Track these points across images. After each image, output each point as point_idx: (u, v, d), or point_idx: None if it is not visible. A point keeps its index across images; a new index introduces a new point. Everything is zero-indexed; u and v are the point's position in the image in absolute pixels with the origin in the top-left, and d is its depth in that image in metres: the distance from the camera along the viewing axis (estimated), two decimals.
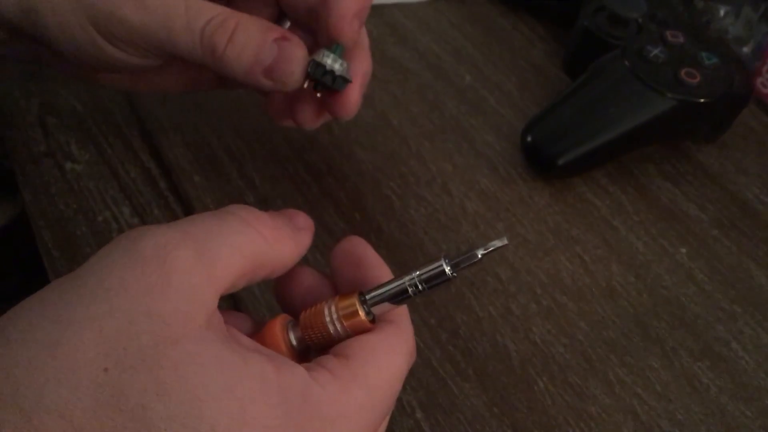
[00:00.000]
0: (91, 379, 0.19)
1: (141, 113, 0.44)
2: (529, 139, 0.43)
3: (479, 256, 0.24)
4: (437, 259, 0.24)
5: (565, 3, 0.50)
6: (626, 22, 0.43)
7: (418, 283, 0.24)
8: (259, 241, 0.24)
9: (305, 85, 0.33)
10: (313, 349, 0.25)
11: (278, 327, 0.25)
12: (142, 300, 0.20)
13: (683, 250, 0.41)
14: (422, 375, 0.35)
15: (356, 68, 0.35)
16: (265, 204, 0.41)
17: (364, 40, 0.36)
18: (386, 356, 0.24)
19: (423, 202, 0.42)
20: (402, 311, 0.26)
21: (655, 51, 0.42)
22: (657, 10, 0.44)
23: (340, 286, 0.28)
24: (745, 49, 0.51)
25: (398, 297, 0.25)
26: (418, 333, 0.36)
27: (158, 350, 0.20)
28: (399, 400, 0.34)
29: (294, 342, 0.25)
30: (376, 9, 0.55)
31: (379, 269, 0.27)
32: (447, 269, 0.24)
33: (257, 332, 0.25)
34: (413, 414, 0.33)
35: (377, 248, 0.39)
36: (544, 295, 0.39)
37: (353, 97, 0.34)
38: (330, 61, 0.32)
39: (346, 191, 0.42)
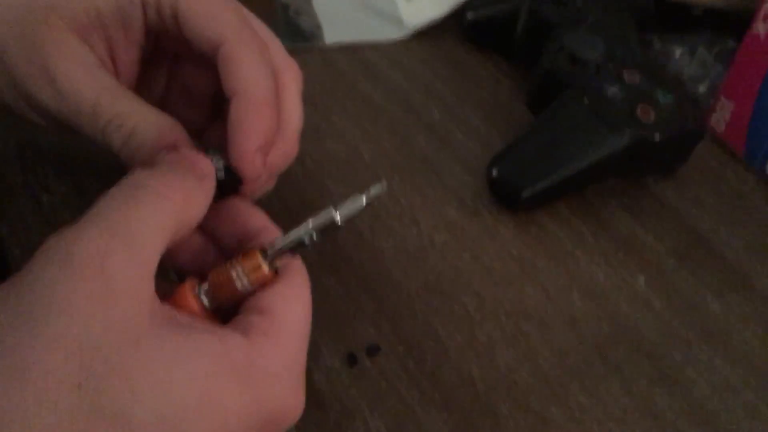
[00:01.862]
0: (67, 397, 0.20)
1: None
2: (494, 173, 0.44)
3: (363, 202, 0.28)
4: (327, 209, 0.28)
5: (529, 43, 0.52)
6: (585, 63, 0.45)
7: (312, 233, 0.28)
8: (175, 210, 0.25)
9: None
10: (223, 306, 0.27)
11: (189, 291, 0.27)
12: (93, 311, 0.22)
13: (641, 280, 0.43)
14: (389, 401, 0.36)
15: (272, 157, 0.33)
16: None
17: (289, 128, 0.34)
18: (297, 302, 0.27)
19: (392, 233, 0.44)
20: (296, 259, 0.29)
21: (612, 89, 0.44)
22: (615, 51, 0.46)
23: (226, 243, 0.30)
24: (701, 88, 0.53)
25: (296, 248, 0.28)
26: (386, 360, 0.37)
27: (122, 355, 0.21)
28: (366, 425, 0.35)
29: (206, 303, 0.27)
30: (349, 48, 0.57)
31: (257, 219, 0.30)
32: (336, 217, 0.28)
33: (167, 295, 0.26)
34: None
35: (348, 278, 0.41)
36: (508, 323, 0.40)
37: (248, 190, 0.32)
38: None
39: None
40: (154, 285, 0.24)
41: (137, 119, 0.30)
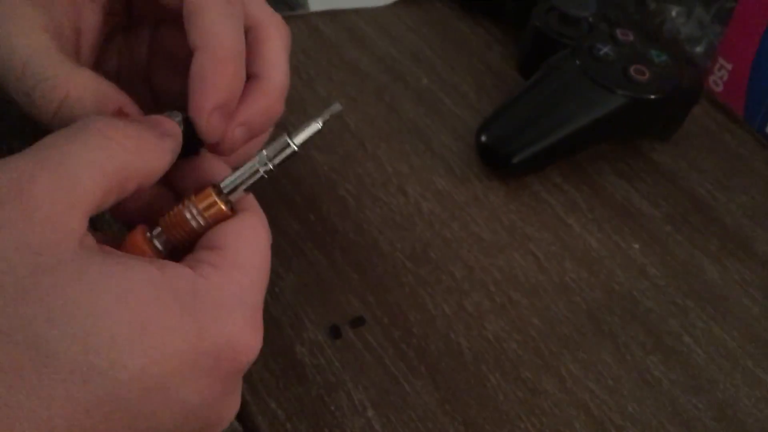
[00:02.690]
0: None
1: None
2: (483, 138, 0.43)
3: (320, 125, 0.27)
4: (281, 136, 0.27)
5: (519, 5, 0.50)
6: (577, 22, 0.44)
7: (267, 163, 0.26)
8: (122, 154, 0.24)
9: None
10: (178, 248, 0.26)
11: (140, 237, 0.25)
12: (7, 236, 0.21)
13: (636, 246, 0.41)
14: (374, 373, 0.35)
15: (243, 111, 0.31)
16: None
17: (271, 84, 0.32)
18: (253, 238, 0.26)
19: (378, 203, 0.42)
20: (250, 196, 0.28)
21: (605, 49, 0.42)
22: (608, 10, 0.45)
23: (180, 188, 0.29)
24: (698, 49, 0.51)
25: (251, 180, 0.27)
26: (371, 332, 0.36)
27: (37, 279, 0.20)
28: (350, 398, 0.33)
29: (160, 247, 0.26)
30: (334, 14, 0.55)
31: (215, 165, 0.29)
32: (291, 143, 0.26)
33: (118, 246, 0.25)
34: (364, 413, 0.33)
35: (332, 248, 0.39)
36: (497, 292, 0.39)
37: (229, 140, 0.30)
38: None
39: (301, 193, 0.42)
40: (94, 228, 0.23)
41: (71, 85, 0.28)
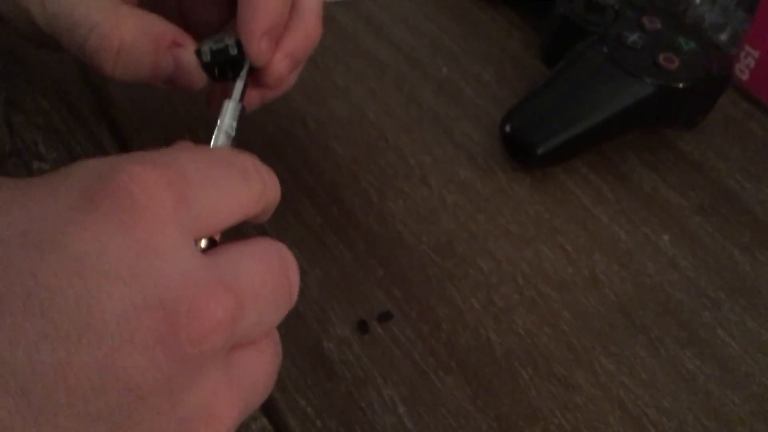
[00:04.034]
0: None
1: (110, 110, 0.43)
2: (507, 129, 0.42)
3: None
4: (224, 104, 0.29)
5: None
6: (603, 9, 0.43)
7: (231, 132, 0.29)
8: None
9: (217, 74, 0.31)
10: None
11: None
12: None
13: (666, 238, 0.41)
14: (403, 369, 0.34)
15: (287, 41, 0.32)
16: None
17: (306, 7, 0.32)
18: None
19: (401, 195, 0.41)
20: None
21: (633, 37, 0.41)
22: None
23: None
24: (723, 36, 0.50)
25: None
26: (398, 326, 0.35)
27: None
28: (380, 394, 0.33)
29: None
30: (351, 3, 0.54)
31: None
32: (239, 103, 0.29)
33: None
34: (395, 409, 0.32)
35: (356, 242, 0.39)
36: (526, 285, 0.38)
37: (276, 71, 0.31)
38: (214, 44, 0.30)
39: (322, 185, 0.41)
40: None
41: (123, 30, 0.28)
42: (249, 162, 0.24)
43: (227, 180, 0.23)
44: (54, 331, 0.18)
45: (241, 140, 0.43)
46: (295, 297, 0.24)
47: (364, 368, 0.34)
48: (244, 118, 0.29)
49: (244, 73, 0.30)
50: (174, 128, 0.43)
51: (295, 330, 0.35)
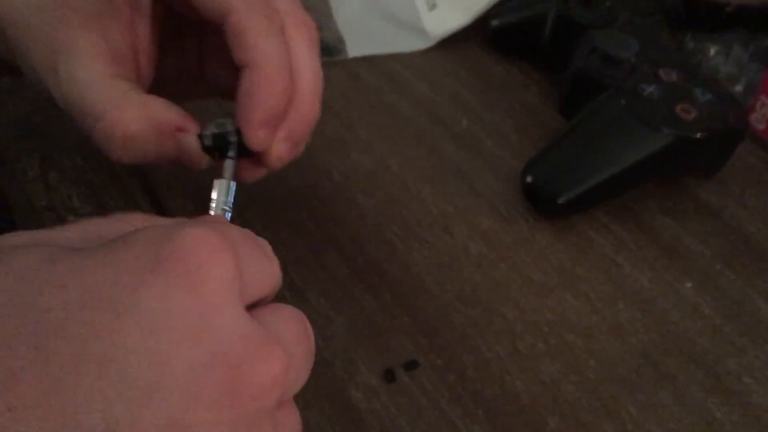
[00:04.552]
0: None
1: (142, 166, 0.45)
2: (528, 179, 0.43)
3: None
4: (219, 182, 0.31)
5: (558, 47, 0.50)
6: (619, 63, 0.44)
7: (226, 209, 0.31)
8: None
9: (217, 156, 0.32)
10: None
11: None
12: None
13: (688, 285, 0.41)
14: (431, 418, 0.34)
15: (285, 125, 0.32)
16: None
17: (303, 89, 0.33)
18: None
19: (425, 245, 0.42)
20: None
21: (650, 89, 0.42)
22: (649, 50, 0.45)
23: None
24: (737, 87, 0.51)
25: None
26: (425, 375, 0.36)
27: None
28: None
29: None
30: (372, 59, 0.56)
31: None
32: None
33: None
34: None
35: (381, 290, 0.39)
36: (551, 333, 0.38)
37: (275, 155, 0.32)
38: (216, 129, 0.31)
39: (348, 235, 0.42)
40: None
41: (127, 121, 0.29)
42: (266, 243, 0.26)
43: (260, 256, 0.24)
44: (127, 389, 0.19)
45: (267, 190, 0.44)
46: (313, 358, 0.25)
47: (391, 417, 0.34)
48: (237, 194, 0.31)
49: (233, 153, 0.31)
50: (203, 182, 0.44)
51: (322, 379, 0.35)
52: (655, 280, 0.41)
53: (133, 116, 0.29)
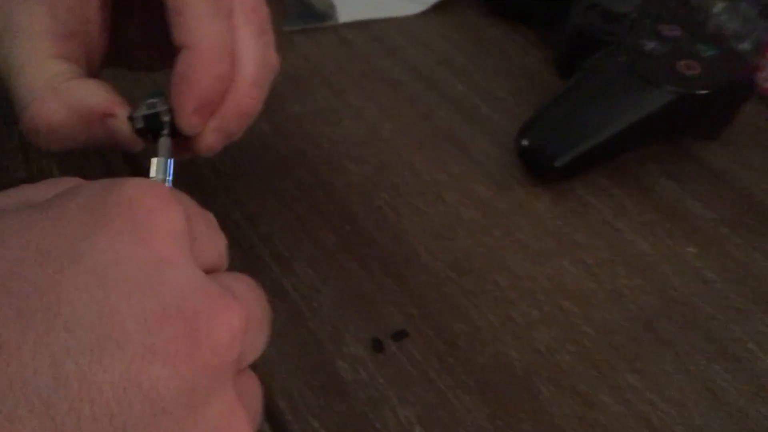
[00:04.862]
0: None
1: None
2: (524, 142, 0.41)
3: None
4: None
5: (553, 6, 0.48)
6: (619, 18, 0.42)
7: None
8: None
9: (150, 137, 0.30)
10: None
11: None
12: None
13: (691, 250, 0.39)
14: (420, 388, 0.33)
15: (219, 114, 0.30)
16: (252, 221, 0.39)
17: (241, 79, 0.31)
18: None
19: (416, 212, 0.40)
20: None
21: (651, 45, 0.40)
22: (650, 5, 0.43)
23: None
24: (744, 45, 0.49)
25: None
26: (414, 345, 0.34)
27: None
28: (395, 414, 0.32)
29: None
30: (363, 24, 0.54)
31: None
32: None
33: None
34: (411, 430, 0.31)
35: (370, 260, 0.38)
36: (547, 301, 0.37)
37: (205, 143, 0.30)
38: (147, 110, 0.30)
39: (336, 204, 0.41)
40: None
41: (52, 110, 0.28)
42: (213, 216, 0.25)
43: (208, 223, 0.23)
44: (77, 344, 0.17)
45: (253, 159, 0.43)
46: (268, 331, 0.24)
47: (378, 388, 0.33)
48: (175, 170, 0.29)
49: (166, 131, 0.30)
50: None
51: (307, 350, 0.34)
52: (657, 245, 0.39)
53: (55, 106, 0.28)
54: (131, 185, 0.20)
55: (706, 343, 0.35)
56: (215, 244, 0.23)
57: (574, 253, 0.39)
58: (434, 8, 0.55)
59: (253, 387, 0.22)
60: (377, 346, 0.34)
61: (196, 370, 0.19)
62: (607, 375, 0.34)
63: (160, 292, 0.19)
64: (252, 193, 0.41)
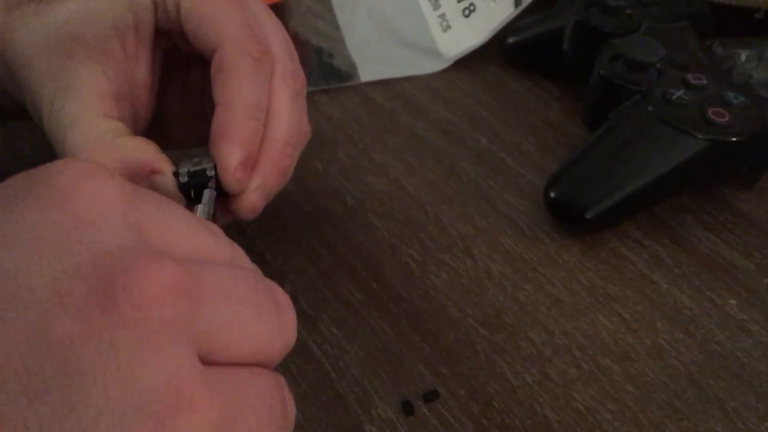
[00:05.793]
0: None
1: None
2: (552, 194, 0.40)
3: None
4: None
5: (578, 59, 0.48)
6: (645, 68, 0.41)
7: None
8: None
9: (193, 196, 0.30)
10: None
11: None
12: None
13: (733, 302, 0.37)
14: None
15: (257, 173, 0.31)
16: (276, 279, 0.38)
17: (272, 139, 0.31)
18: None
19: (444, 267, 0.39)
20: None
21: (679, 93, 0.40)
22: (675, 55, 0.42)
23: None
24: None
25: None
26: (446, 406, 0.33)
27: None
28: None
29: None
30: (385, 82, 0.54)
31: None
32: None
33: None
34: None
35: (397, 317, 0.37)
36: (584, 358, 0.35)
37: (248, 204, 0.31)
38: (192, 166, 0.30)
39: (362, 261, 0.40)
40: None
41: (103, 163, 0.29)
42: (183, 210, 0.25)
43: (163, 206, 0.23)
44: None
45: (277, 218, 0.42)
46: (284, 304, 0.24)
47: None
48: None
49: (213, 184, 0.30)
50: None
51: (335, 413, 0.32)
52: (696, 298, 0.38)
53: (107, 159, 0.29)
54: (61, 162, 0.20)
55: (755, 400, 0.33)
56: (168, 228, 0.21)
57: (610, 306, 0.37)
58: (455, 65, 0.55)
59: (239, 377, 0.20)
60: (407, 408, 0.33)
61: (113, 324, 0.17)
62: None
63: (75, 251, 0.18)
64: (276, 250, 0.40)
